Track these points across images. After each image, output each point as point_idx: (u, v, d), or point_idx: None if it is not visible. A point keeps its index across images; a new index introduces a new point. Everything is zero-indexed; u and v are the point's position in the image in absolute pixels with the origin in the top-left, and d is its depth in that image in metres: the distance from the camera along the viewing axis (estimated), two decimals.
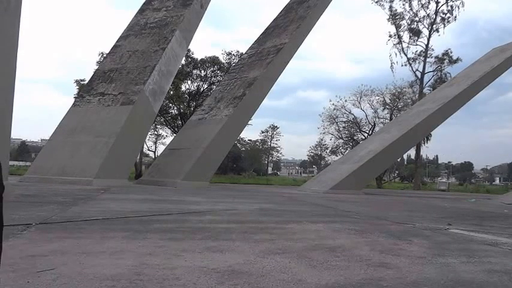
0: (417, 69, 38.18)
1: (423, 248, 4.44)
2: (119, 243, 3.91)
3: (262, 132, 57.68)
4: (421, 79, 38.03)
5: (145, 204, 8.24)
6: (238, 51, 33.06)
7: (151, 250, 3.64)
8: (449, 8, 37.56)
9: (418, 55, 38.39)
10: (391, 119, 35.90)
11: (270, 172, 66.40)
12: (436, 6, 37.64)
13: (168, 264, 3.16)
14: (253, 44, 23.11)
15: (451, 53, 38.71)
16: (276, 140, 59.04)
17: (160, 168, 18.84)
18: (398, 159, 45.56)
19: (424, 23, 38.09)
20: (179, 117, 32.86)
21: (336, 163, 24.49)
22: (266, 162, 61.55)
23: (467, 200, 18.88)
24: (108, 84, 16.96)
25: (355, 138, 39.58)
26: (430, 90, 36.06)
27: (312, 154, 61.16)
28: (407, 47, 38.57)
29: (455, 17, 37.57)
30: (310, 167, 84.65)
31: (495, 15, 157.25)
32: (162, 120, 34.03)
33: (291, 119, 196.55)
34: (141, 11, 19.99)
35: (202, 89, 33.72)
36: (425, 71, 38.16)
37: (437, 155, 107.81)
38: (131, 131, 15.67)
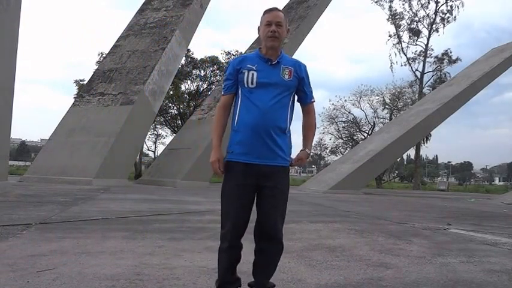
0: (417, 69, 38.19)
1: (423, 248, 4.45)
2: (119, 243, 3.91)
3: None
4: (421, 79, 38.01)
5: (145, 204, 8.24)
6: (237, 51, 32.99)
7: (151, 250, 3.65)
8: (448, 8, 37.55)
9: (418, 55, 38.37)
10: (390, 118, 35.88)
11: None
12: (436, 6, 37.63)
13: (168, 264, 3.16)
14: (252, 43, 23.08)
15: (451, 53, 38.75)
16: None
17: (160, 168, 18.83)
18: (398, 159, 45.51)
19: (424, 23, 38.08)
20: (179, 117, 32.84)
21: (335, 163, 24.48)
22: None
23: (467, 200, 18.88)
24: (107, 84, 16.96)
25: (354, 138, 39.53)
26: (429, 90, 36.04)
27: (311, 154, 61.16)
28: (407, 47, 38.56)
29: (455, 17, 37.56)
30: (310, 166, 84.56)
31: (492, 16, 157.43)
32: (161, 120, 34.00)
33: None
34: (141, 11, 19.98)
35: (201, 89, 33.67)
36: (425, 71, 38.13)
37: (436, 155, 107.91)
38: (131, 131, 15.66)
